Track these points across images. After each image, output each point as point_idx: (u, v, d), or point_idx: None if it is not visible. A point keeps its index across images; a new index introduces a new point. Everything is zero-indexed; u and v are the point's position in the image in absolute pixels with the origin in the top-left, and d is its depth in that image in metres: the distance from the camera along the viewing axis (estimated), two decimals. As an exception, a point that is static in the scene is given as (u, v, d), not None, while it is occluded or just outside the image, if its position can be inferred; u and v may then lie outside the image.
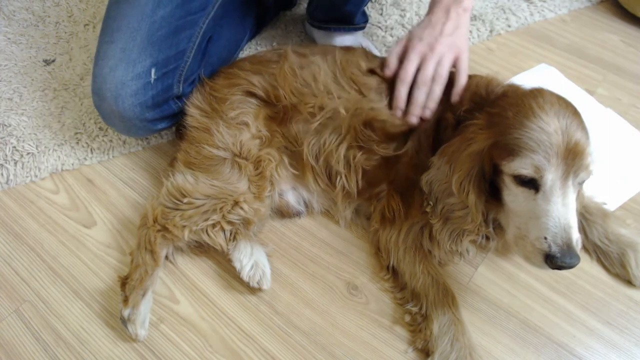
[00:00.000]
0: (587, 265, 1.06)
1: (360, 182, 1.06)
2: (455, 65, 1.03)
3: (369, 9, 1.62)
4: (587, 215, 1.06)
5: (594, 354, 0.95)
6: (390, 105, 1.04)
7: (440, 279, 0.98)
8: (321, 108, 1.04)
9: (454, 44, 1.02)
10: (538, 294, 1.02)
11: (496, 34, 1.58)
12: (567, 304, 1.01)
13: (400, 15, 1.61)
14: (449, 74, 1.02)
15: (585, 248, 1.07)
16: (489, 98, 0.92)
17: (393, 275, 1.03)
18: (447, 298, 0.95)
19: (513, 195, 0.82)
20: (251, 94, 1.09)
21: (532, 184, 0.79)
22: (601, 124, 1.30)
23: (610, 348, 0.95)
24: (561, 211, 0.77)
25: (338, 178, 1.07)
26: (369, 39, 1.53)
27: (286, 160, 1.09)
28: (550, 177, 0.77)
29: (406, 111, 1.03)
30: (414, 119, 1.02)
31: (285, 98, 1.06)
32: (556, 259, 0.75)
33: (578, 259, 0.76)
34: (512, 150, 0.79)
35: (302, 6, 1.65)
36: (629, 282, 1.03)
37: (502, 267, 1.06)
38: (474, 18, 1.61)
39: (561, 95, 0.85)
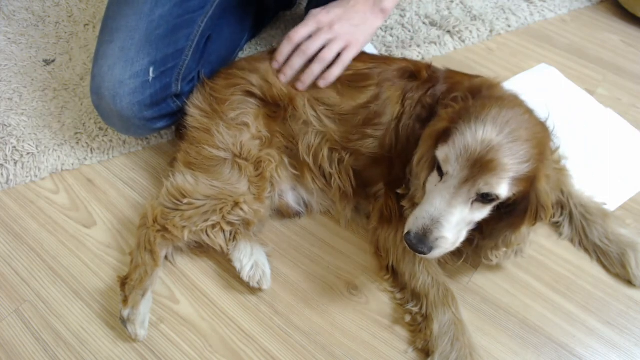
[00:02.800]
0: (587, 265, 1.06)
1: (354, 182, 1.07)
2: (340, 53, 1.05)
3: (369, 9, 1.62)
4: (587, 215, 1.06)
5: (594, 354, 0.95)
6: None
7: (440, 279, 0.98)
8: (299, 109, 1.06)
9: (352, 33, 1.05)
10: (538, 294, 1.02)
11: (496, 34, 1.58)
12: (567, 304, 1.01)
13: (400, 15, 1.61)
14: (332, 58, 1.05)
15: (585, 248, 1.07)
16: (483, 95, 0.92)
17: (393, 275, 1.03)
18: (447, 298, 0.95)
19: (431, 176, 0.87)
20: (250, 94, 1.09)
21: (441, 172, 0.82)
22: (601, 124, 1.30)
23: (610, 348, 0.96)
24: (441, 206, 0.81)
25: (332, 179, 1.07)
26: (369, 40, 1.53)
27: (286, 160, 1.09)
28: (450, 172, 0.79)
29: (280, 69, 1.07)
30: (282, 78, 1.06)
31: (278, 96, 1.06)
32: (408, 237, 0.82)
33: (425, 249, 0.81)
34: (447, 137, 0.82)
35: (302, 6, 1.65)
36: (629, 282, 1.03)
37: (502, 267, 1.06)
38: (474, 18, 1.61)
39: (542, 123, 0.85)
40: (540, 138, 0.82)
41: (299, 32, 1.06)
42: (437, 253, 0.83)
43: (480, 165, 0.77)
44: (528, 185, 0.81)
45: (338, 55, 1.06)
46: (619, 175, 1.19)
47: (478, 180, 0.78)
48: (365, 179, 1.07)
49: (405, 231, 0.84)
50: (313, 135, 1.06)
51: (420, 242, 0.81)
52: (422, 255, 0.83)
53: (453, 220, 0.81)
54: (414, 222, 0.83)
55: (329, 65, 1.05)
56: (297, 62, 1.06)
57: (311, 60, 1.06)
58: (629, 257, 1.02)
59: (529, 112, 0.86)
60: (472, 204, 0.81)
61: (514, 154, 0.77)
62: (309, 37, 1.06)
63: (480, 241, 0.94)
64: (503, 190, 0.78)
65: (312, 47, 1.05)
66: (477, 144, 0.77)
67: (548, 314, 1.00)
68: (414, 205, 0.93)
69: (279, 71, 1.07)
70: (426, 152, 0.88)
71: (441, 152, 0.81)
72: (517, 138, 0.78)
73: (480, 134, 0.78)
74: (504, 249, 0.94)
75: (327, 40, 1.05)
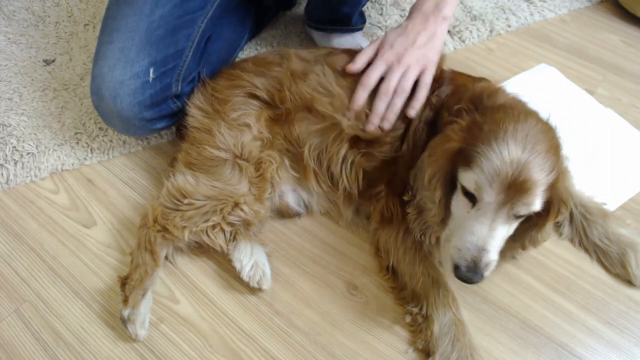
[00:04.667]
0: (587, 265, 1.06)
1: (361, 183, 1.07)
2: (419, 78, 1.03)
3: (369, 9, 1.62)
4: (587, 215, 1.06)
5: (594, 354, 0.95)
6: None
7: (441, 279, 0.98)
8: (323, 115, 1.05)
9: (423, 56, 1.02)
10: (538, 294, 1.02)
11: (496, 34, 1.58)
12: (567, 304, 1.01)
13: (400, 15, 1.61)
14: (411, 87, 1.02)
15: (585, 248, 1.08)
16: (486, 105, 0.92)
17: (393, 275, 1.03)
18: (447, 298, 0.95)
19: (457, 200, 0.85)
20: (253, 96, 1.09)
21: (472, 197, 0.81)
22: (601, 124, 1.30)
23: (610, 348, 0.96)
24: (483, 233, 0.80)
25: (340, 180, 1.07)
26: (369, 39, 1.53)
27: (287, 162, 1.09)
28: (487, 199, 0.78)
29: (367, 119, 1.03)
30: (371, 127, 1.03)
31: (290, 101, 1.06)
32: (460, 271, 0.81)
33: (480, 278, 0.81)
34: (469, 161, 0.81)
35: (302, 6, 1.65)
36: (629, 282, 1.03)
37: (502, 267, 1.06)
38: (474, 18, 1.61)
39: (551, 129, 0.85)
40: (555, 143, 0.83)
41: (371, 77, 1.02)
42: (487, 275, 0.82)
43: (515, 187, 0.77)
44: (552, 189, 0.81)
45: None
46: (619, 175, 1.19)
47: (516, 202, 0.78)
48: (371, 180, 1.07)
49: (452, 266, 0.82)
50: (330, 139, 1.05)
51: (474, 273, 0.80)
52: (473, 284, 0.83)
53: (497, 243, 0.81)
54: (460, 255, 0.81)
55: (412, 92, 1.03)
56: (381, 106, 1.02)
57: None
58: (629, 257, 1.02)
59: (538, 119, 0.85)
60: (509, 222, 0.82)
61: (542, 168, 0.78)
62: (381, 78, 1.03)
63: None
64: (538, 204, 0.79)
65: (391, 87, 1.01)
66: (507, 166, 0.77)
67: (548, 314, 1.00)
68: (420, 213, 0.92)
69: (366, 121, 1.03)
70: (437, 171, 0.86)
71: (468, 180, 0.80)
72: (540, 151, 0.78)
73: (507, 155, 0.77)
74: (531, 247, 0.94)
75: (401, 75, 1.02)
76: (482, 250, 0.80)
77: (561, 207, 0.84)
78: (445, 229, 0.88)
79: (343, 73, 1.06)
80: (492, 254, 0.81)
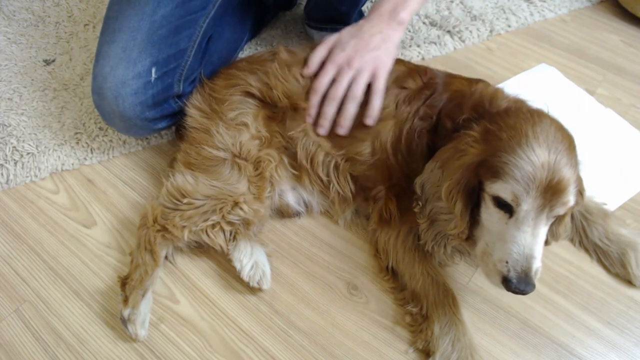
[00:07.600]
0: (587, 265, 1.06)
1: (352, 187, 1.07)
2: (371, 83, 1.02)
3: (368, 8, 1.62)
4: (587, 215, 1.06)
5: (594, 354, 0.95)
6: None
7: (441, 280, 0.98)
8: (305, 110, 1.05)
9: (375, 58, 1.01)
10: (538, 294, 1.02)
11: (496, 34, 1.58)
12: (567, 304, 1.01)
13: (400, 15, 1.61)
14: (363, 92, 1.02)
15: (585, 248, 1.08)
16: (490, 111, 0.91)
17: (393, 275, 1.03)
18: (447, 298, 0.95)
19: (489, 213, 0.84)
20: (249, 94, 1.09)
21: (507, 208, 0.80)
22: (601, 124, 1.30)
23: (610, 348, 0.96)
24: (528, 241, 0.79)
25: (331, 185, 1.07)
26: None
27: (286, 160, 1.09)
28: (526, 207, 0.78)
29: (316, 122, 1.04)
30: (321, 131, 1.04)
31: (279, 98, 1.06)
32: (511, 284, 0.78)
33: (533, 287, 0.78)
34: (497, 172, 0.80)
35: (302, 6, 1.65)
36: (629, 282, 1.03)
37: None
38: (474, 18, 1.61)
39: (562, 124, 0.85)
40: (570, 138, 0.83)
41: (321, 82, 1.02)
42: (536, 280, 0.81)
43: (552, 189, 0.77)
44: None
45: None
46: (619, 175, 1.19)
47: (554, 204, 0.77)
48: (363, 183, 1.06)
49: (501, 279, 0.80)
50: (310, 142, 1.06)
51: (526, 284, 0.78)
52: (525, 294, 0.80)
53: (540, 247, 0.80)
54: (508, 268, 0.79)
55: (366, 99, 1.02)
56: (330, 110, 1.02)
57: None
58: (629, 256, 1.02)
59: (549, 117, 0.85)
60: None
61: (570, 165, 0.78)
62: (333, 81, 1.03)
63: None
64: (572, 200, 0.79)
65: (339, 92, 1.01)
66: (539, 170, 0.76)
67: (548, 314, 1.00)
68: (432, 224, 0.92)
69: (315, 124, 1.04)
70: (456, 184, 0.85)
71: (504, 191, 0.79)
72: (563, 149, 0.78)
73: (536, 159, 0.77)
74: (553, 242, 0.93)
75: (351, 78, 1.01)
76: (529, 258, 0.78)
77: (578, 197, 0.84)
78: (479, 243, 0.86)
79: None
80: (539, 260, 0.80)
